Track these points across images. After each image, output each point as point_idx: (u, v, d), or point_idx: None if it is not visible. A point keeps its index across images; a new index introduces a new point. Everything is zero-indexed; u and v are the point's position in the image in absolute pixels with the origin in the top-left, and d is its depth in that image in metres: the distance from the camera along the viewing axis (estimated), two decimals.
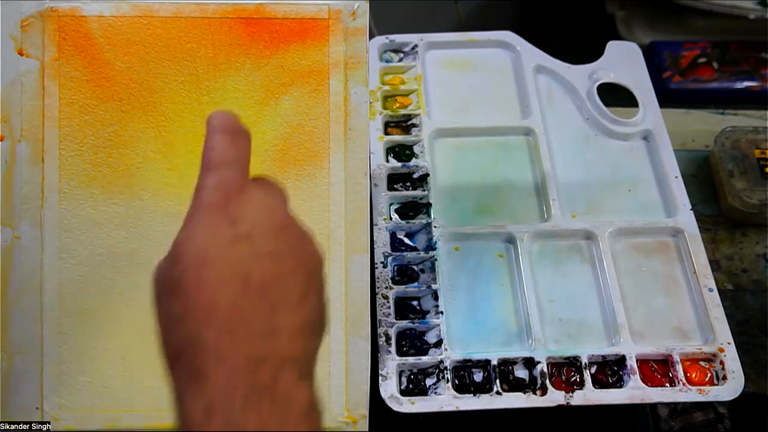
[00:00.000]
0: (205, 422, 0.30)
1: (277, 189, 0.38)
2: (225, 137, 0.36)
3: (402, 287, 0.58)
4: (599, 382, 0.55)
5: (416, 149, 0.66)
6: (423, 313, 0.58)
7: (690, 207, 0.63)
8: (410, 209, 0.63)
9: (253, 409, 0.30)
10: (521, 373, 0.55)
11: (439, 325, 0.57)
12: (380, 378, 0.54)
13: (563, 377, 0.55)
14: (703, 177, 0.74)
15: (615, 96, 0.71)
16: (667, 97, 0.81)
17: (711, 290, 0.59)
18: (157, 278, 0.34)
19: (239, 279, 0.32)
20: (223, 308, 0.32)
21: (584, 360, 0.55)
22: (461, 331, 0.57)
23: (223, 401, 0.30)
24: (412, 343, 0.57)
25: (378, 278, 0.58)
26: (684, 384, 0.55)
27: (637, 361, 0.55)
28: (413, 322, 0.57)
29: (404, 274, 0.60)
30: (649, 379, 0.55)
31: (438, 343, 0.56)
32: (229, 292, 0.32)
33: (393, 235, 0.61)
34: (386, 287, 0.58)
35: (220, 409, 0.30)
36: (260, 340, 0.32)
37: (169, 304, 0.33)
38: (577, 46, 0.78)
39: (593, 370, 0.56)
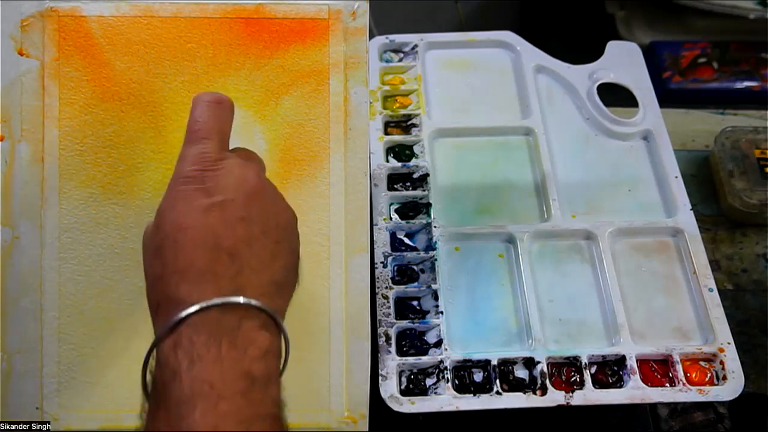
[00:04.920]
0: (173, 357, 0.34)
1: (253, 158, 0.42)
2: (208, 109, 0.41)
3: (402, 287, 0.58)
4: (599, 382, 0.55)
5: (416, 149, 0.66)
6: (423, 313, 0.58)
7: (690, 207, 0.63)
8: (410, 209, 0.63)
9: (215, 345, 0.34)
10: (521, 373, 0.55)
11: (439, 325, 0.57)
12: (380, 378, 0.54)
13: (563, 377, 0.55)
14: (703, 177, 0.74)
15: (615, 96, 0.71)
16: (667, 97, 0.81)
17: (711, 290, 0.59)
18: (145, 241, 0.39)
19: (211, 244, 0.37)
20: (195, 269, 0.36)
21: (584, 360, 0.55)
22: (461, 331, 0.57)
23: (189, 340, 0.35)
24: (412, 343, 0.57)
25: (378, 278, 0.58)
26: (684, 384, 0.55)
27: (637, 361, 0.55)
28: (413, 322, 0.57)
29: (404, 274, 0.60)
30: (649, 379, 0.55)
31: (438, 343, 0.56)
32: (201, 255, 0.36)
33: (393, 235, 0.61)
34: (386, 287, 0.58)
35: (186, 346, 0.35)
36: (228, 295, 0.36)
37: (152, 264, 0.38)
38: (577, 46, 0.78)
39: (593, 370, 0.56)
